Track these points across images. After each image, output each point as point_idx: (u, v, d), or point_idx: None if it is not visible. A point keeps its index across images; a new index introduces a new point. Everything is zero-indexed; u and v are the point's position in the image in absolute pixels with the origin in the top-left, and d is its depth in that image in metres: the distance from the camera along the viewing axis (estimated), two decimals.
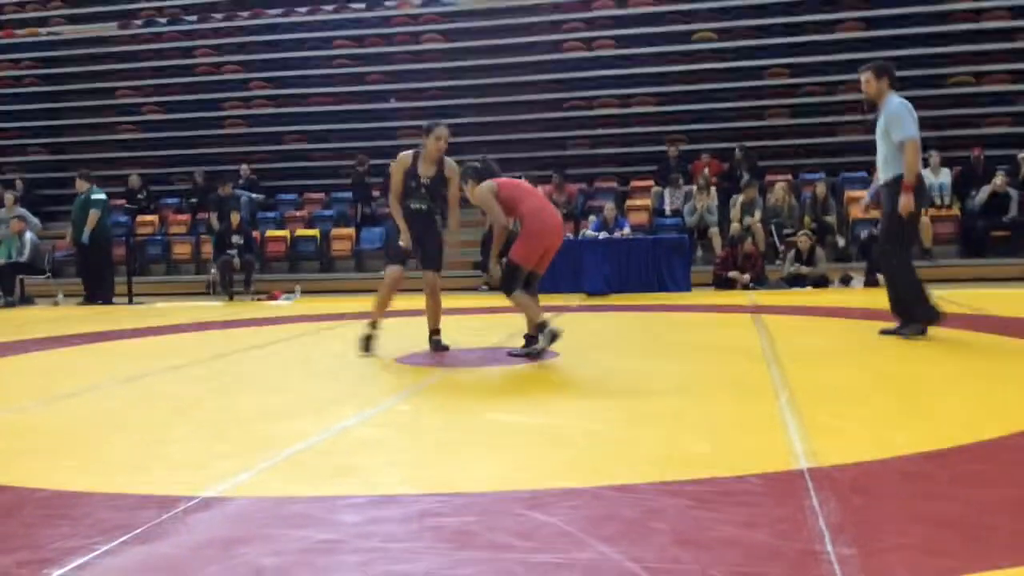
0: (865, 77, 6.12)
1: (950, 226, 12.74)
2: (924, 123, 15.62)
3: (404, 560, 2.22)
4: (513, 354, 5.70)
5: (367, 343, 5.86)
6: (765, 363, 5.18)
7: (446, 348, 6.00)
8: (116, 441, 3.67)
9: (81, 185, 12.18)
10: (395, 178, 5.87)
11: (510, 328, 6.45)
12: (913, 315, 6.08)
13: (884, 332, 6.23)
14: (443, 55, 16.65)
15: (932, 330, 6.16)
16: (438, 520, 2.51)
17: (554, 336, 5.43)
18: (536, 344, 5.65)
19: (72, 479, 3.05)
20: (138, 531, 2.47)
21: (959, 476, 2.86)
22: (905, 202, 5.87)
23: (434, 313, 6.04)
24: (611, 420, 3.78)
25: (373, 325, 5.92)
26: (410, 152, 5.87)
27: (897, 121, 5.93)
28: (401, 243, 5.83)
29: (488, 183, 5.61)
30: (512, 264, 5.50)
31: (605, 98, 15.62)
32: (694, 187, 13.31)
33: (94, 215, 11.90)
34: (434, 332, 6.04)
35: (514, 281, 5.48)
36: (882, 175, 6.11)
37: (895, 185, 5.96)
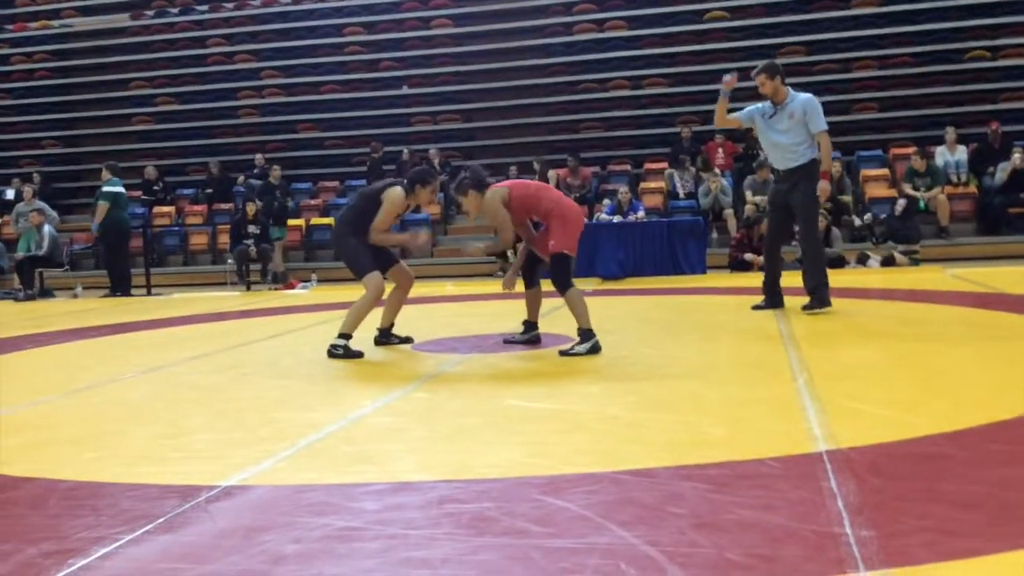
0: (760, 80, 6.58)
1: (967, 204, 12.63)
2: (940, 99, 15.51)
3: (423, 546, 2.23)
4: (509, 340, 5.67)
5: (351, 351, 5.43)
6: (782, 345, 5.17)
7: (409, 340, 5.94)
8: (138, 431, 3.71)
9: (104, 176, 12.25)
10: (389, 217, 5.48)
11: (526, 314, 6.43)
12: (823, 293, 6.57)
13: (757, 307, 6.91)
14: (454, 40, 16.61)
15: (953, 310, 6.15)
16: (456, 506, 2.52)
17: (596, 350, 5.10)
18: (535, 332, 5.63)
19: (95, 470, 3.09)
20: (161, 520, 2.50)
21: (978, 457, 2.85)
22: (825, 187, 6.56)
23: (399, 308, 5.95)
24: (628, 404, 3.79)
25: (348, 336, 5.44)
26: (402, 192, 5.47)
27: (816, 114, 6.46)
28: (422, 237, 5.78)
29: (498, 189, 5.29)
30: (562, 256, 5.22)
31: (617, 80, 15.55)
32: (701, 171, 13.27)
33: (102, 207, 11.95)
34: (392, 326, 5.92)
35: (568, 276, 5.23)
36: (787, 162, 6.58)
37: (804, 172, 6.48)
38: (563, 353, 5.14)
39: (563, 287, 5.23)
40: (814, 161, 6.53)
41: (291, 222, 14.80)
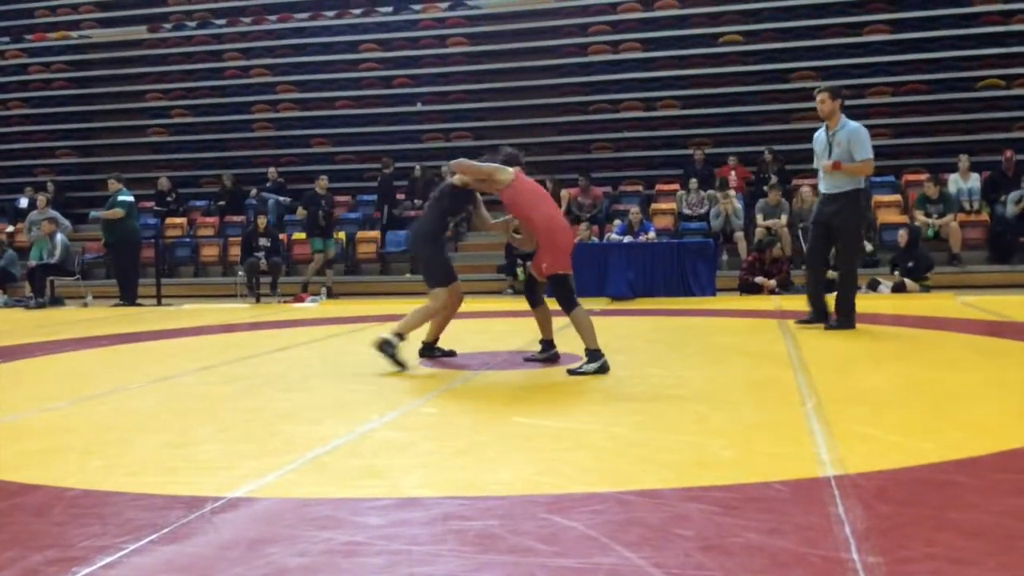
0: (821, 97, 6.91)
1: (979, 231, 12.60)
2: (953, 127, 15.53)
3: (427, 563, 2.23)
4: (530, 359, 5.69)
5: (396, 356, 5.39)
6: (791, 369, 5.15)
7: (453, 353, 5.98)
8: (144, 441, 3.71)
9: (112, 186, 12.32)
10: (482, 169, 5.41)
11: (535, 332, 6.44)
12: (851, 316, 6.94)
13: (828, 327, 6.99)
14: (469, 58, 16.70)
15: (963, 337, 6.15)
16: (461, 523, 2.52)
17: (604, 370, 5.05)
18: (553, 351, 5.64)
19: (101, 479, 3.09)
20: (166, 531, 2.50)
21: (988, 485, 2.83)
22: (827, 164, 6.82)
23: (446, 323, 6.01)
24: (635, 425, 3.78)
25: (402, 337, 5.46)
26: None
27: (862, 143, 6.80)
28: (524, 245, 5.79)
29: (509, 170, 5.30)
30: (559, 277, 5.22)
31: (630, 101, 15.60)
32: (717, 191, 13.27)
33: (116, 212, 12.03)
34: (437, 341, 5.97)
35: (570, 295, 5.20)
36: (834, 187, 6.88)
37: (847, 198, 6.80)
38: (571, 372, 5.13)
39: (567, 307, 5.23)
40: (858, 191, 6.84)
41: (303, 236, 14.79)
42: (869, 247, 12.37)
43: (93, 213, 12.50)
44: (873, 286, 11.09)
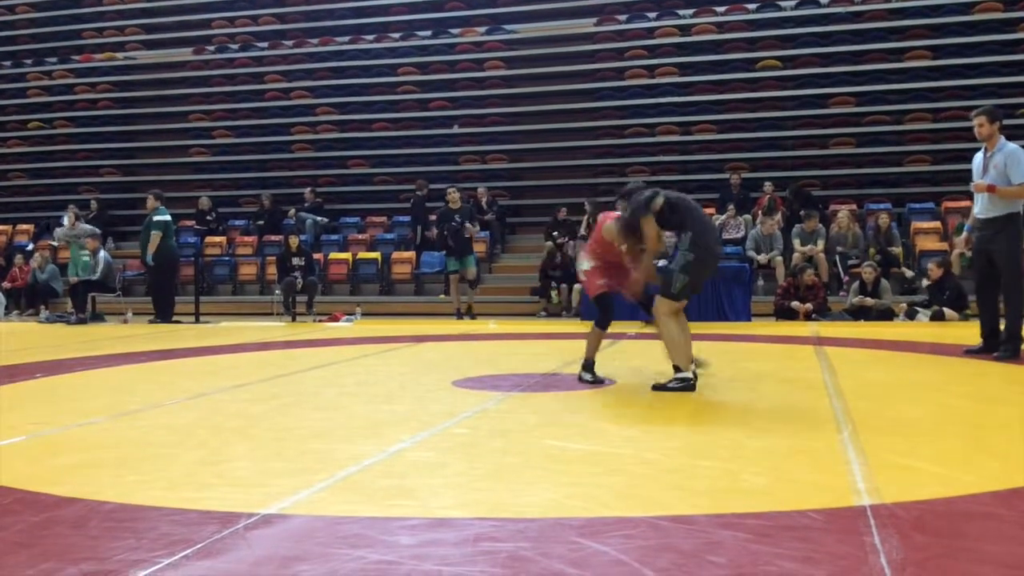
0: (979, 120, 6.76)
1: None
2: None
3: None
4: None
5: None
6: (827, 396, 5.09)
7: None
8: (180, 457, 3.75)
9: (151, 204, 12.51)
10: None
11: (569, 354, 6.43)
12: (1016, 345, 6.62)
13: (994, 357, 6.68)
14: (505, 82, 16.81)
15: (1004, 368, 6.02)
16: (492, 544, 2.51)
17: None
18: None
19: (137, 493, 3.12)
20: (199, 546, 2.52)
21: None
22: (987, 187, 6.61)
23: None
24: (668, 449, 3.75)
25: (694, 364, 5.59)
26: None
27: (1020, 165, 6.53)
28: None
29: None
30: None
31: (666, 125, 15.60)
32: (759, 214, 13.20)
33: (155, 236, 12.21)
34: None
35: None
36: (987, 212, 6.69)
37: (1003, 222, 6.61)
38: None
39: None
40: (1015, 215, 6.61)
41: (338, 255, 14.95)
42: (909, 273, 12.22)
43: (147, 259, 12.46)
44: (911, 315, 10.94)
